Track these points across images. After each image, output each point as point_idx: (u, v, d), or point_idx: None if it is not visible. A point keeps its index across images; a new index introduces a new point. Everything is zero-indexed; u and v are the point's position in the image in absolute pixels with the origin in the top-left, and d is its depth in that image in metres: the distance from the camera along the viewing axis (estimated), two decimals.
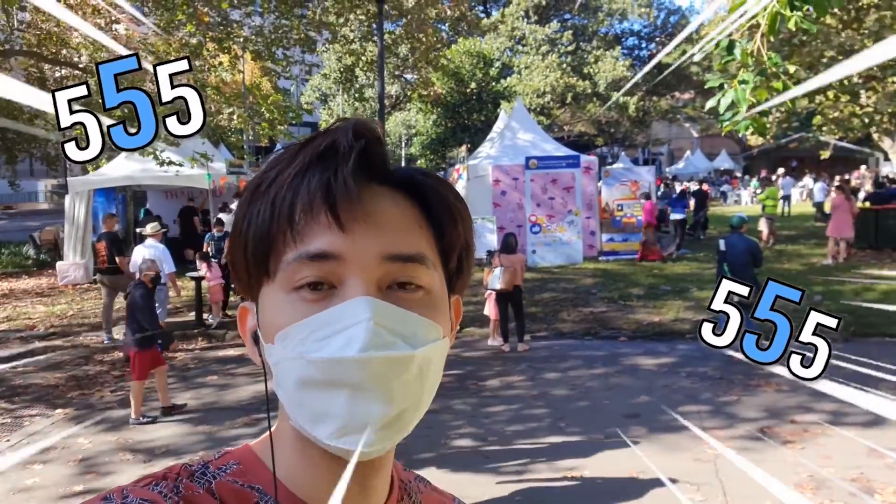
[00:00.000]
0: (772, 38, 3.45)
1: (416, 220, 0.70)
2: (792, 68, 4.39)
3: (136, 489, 0.68)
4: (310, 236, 0.65)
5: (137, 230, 12.31)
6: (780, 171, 31.65)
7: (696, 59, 4.78)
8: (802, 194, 32.38)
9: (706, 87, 3.67)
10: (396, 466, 0.84)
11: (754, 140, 38.28)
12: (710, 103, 3.65)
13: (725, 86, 3.51)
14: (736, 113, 3.52)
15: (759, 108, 3.32)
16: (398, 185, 0.70)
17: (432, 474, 5.48)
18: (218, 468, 0.73)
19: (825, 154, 22.57)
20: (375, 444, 0.64)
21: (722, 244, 8.64)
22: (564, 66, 35.55)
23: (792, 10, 3.27)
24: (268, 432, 0.76)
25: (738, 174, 42.67)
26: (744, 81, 3.42)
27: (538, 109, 34.05)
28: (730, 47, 3.29)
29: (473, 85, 33.01)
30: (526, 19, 36.68)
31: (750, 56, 3.48)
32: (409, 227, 0.69)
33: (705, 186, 25.35)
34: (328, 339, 0.63)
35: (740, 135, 3.72)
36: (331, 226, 0.65)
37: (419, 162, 35.86)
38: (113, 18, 16.12)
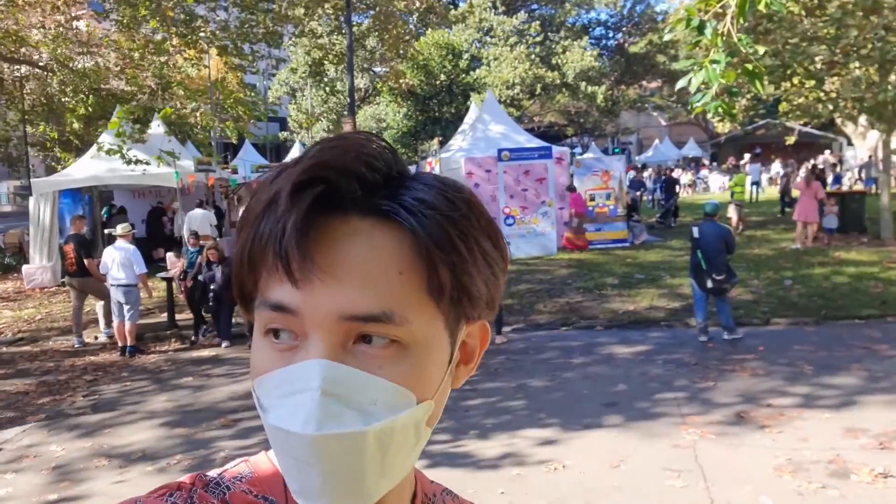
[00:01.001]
0: (742, 20, 3.46)
1: (395, 263, 0.59)
2: (761, 49, 4.42)
3: (151, 500, 0.65)
4: (270, 285, 0.61)
5: (106, 231, 12.06)
6: (746, 157, 32.09)
7: (666, 38, 4.72)
8: (773, 178, 32.91)
9: (676, 68, 3.68)
10: (422, 480, 0.80)
11: (722, 127, 38.74)
12: (680, 83, 3.65)
13: (695, 67, 3.51)
14: (706, 94, 3.53)
15: (727, 91, 3.33)
16: (384, 215, 0.60)
17: None
18: (233, 477, 0.71)
19: (790, 140, 22.88)
20: None
21: (695, 231, 8.69)
22: (533, 56, 35.62)
23: None
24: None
25: (706, 161, 43.17)
26: (715, 61, 3.43)
27: (508, 101, 34.09)
28: (700, 27, 3.29)
29: (443, 77, 32.96)
30: (493, 10, 36.64)
31: (720, 37, 3.49)
32: (382, 275, 0.59)
33: (676, 173, 25.57)
34: (283, 399, 0.59)
35: (710, 116, 3.73)
36: (283, 279, 0.59)
37: None
38: (73, 15, 15.79)
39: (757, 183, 27.38)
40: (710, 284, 8.44)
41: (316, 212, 0.58)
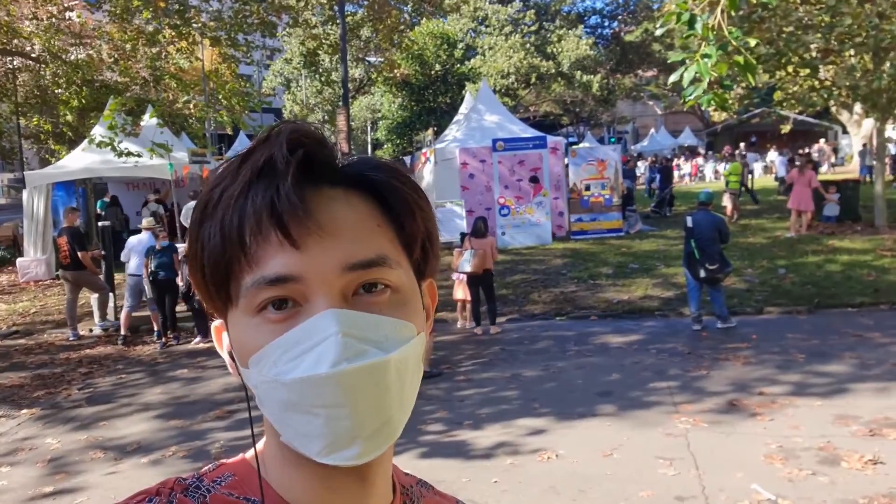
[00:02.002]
0: (732, 13, 3.47)
1: (373, 219, 0.68)
2: (753, 42, 4.42)
3: None
4: (265, 259, 0.63)
5: (100, 223, 12.03)
6: (742, 146, 32.08)
7: (659, 33, 4.71)
8: (768, 167, 32.91)
9: (669, 62, 3.69)
10: (397, 472, 0.82)
11: (717, 116, 38.70)
12: (672, 77, 3.66)
13: (687, 61, 3.52)
14: (698, 87, 3.54)
15: (720, 83, 3.34)
16: (351, 184, 0.68)
17: (407, 461, 5.49)
18: (213, 481, 0.72)
19: (786, 128, 22.88)
20: (366, 454, 0.63)
21: (689, 221, 8.69)
22: (528, 46, 35.53)
23: None
24: (260, 443, 0.75)
25: (702, 150, 43.17)
26: (706, 55, 3.44)
27: (503, 91, 34.03)
28: (691, 22, 3.30)
29: (438, 67, 32.85)
30: None
31: (711, 30, 3.49)
32: (367, 229, 0.67)
33: (677, 161, 25.51)
34: (300, 358, 0.62)
35: (703, 108, 3.75)
36: (283, 245, 0.63)
37: (385, 146, 35.66)
38: (66, 6, 15.70)
39: (751, 172, 27.37)
40: (703, 274, 8.46)
41: (296, 181, 0.63)
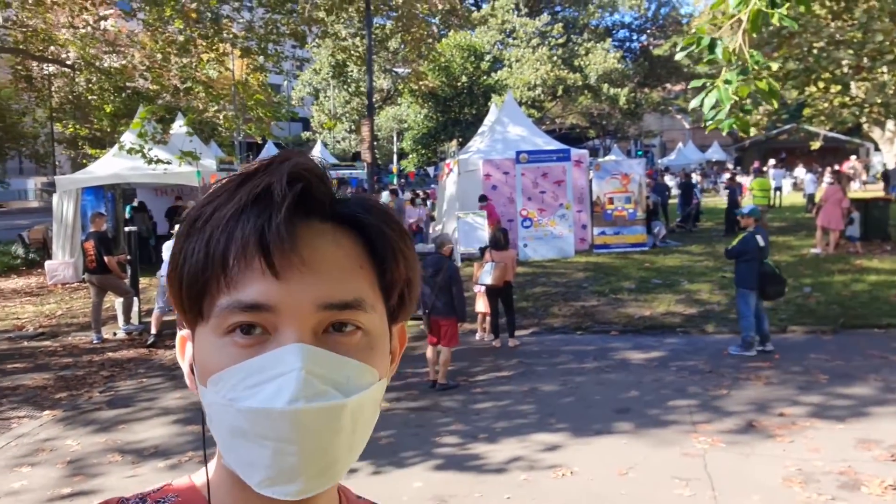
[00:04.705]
0: (754, 35, 3.44)
1: (357, 259, 0.68)
2: (775, 65, 4.39)
3: None
4: (243, 283, 0.64)
5: (127, 229, 12.22)
6: (771, 162, 31.73)
7: (679, 57, 4.69)
8: (797, 184, 32.44)
9: (689, 87, 3.67)
10: (349, 495, 0.83)
11: (750, 132, 38.23)
12: (693, 103, 3.64)
13: (708, 84, 3.50)
14: (720, 111, 3.52)
15: (741, 107, 3.31)
16: (341, 221, 0.68)
17: (419, 473, 5.49)
18: (156, 501, 0.72)
19: (816, 145, 22.58)
20: (305, 492, 0.64)
21: (760, 239, 8.20)
22: (555, 58, 35.52)
23: (773, 7, 3.26)
24: (206, 466, 0.75)
25: (730, 165, 42.75)
26: (727, 81, 3.42)
27: (529, 102, 34.02)
28: (711, 46, 3.28)
29: (464, 79, 32.96)
30: (516, 12, 36.59)
31: (732, 54, 3.47)
32: (349, 269, 0.67)
33: (695, 177, 25.23)
34: (258, 387, 0.62)
35: (724, 133, 3.72)
36: (265, 273, 0.63)
37: (410, 156, 35.81)
38: (101, 15, 16.02)
39: (778, 188, 27.05)
40: (785, 291, 8.30)
41: (289, 213, 0.64)
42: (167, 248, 10.08)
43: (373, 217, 0.69)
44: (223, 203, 0.66)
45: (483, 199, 15.47)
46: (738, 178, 32.35)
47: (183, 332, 0.73)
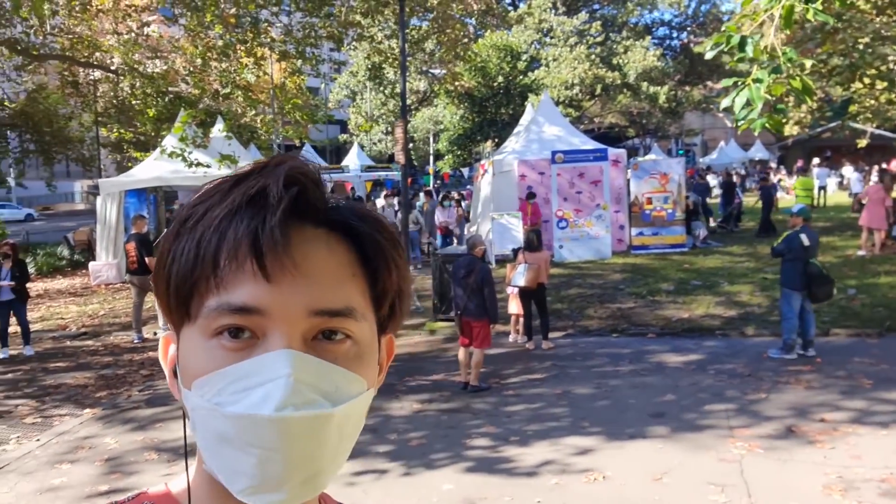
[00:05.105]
0: (789, 32, 3.35)
1: (349, 267, 0.67)
2: (808, 63, 4.27)
3: None
4: (234, 284, 0.63)
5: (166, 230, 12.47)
6: (815, 161, 30.98)
7: (709, 56, 4.55)
8: (843, 183, 31.63)
9: (721, 86, 3.60)
10: (327, 500, 0.82)
11: (789, 130, 37.45)
12: (724, 103, 3.56)
13: (739, 83, 3.42)
14: (752, 111, 3.43)
15: (773, 107, 3.23)
16: (334, 228, 0.67)
17: (450, 475, 5.47)
18: None
19: (862, 142, 21.96)
20: (289, 502, 0.63)
21: (805, 239, 8.11)
22: (593, 57, 35.19)
23: (807, 2, 3.16)
24: (185, 473, 0.74)
25: (773, 164, 41.87)
26: (758, 80, 3.33)
27: (567, 102, 33.78)
28: (741, 44, 3.19)
29: (501, 79, 32.86)
30: (553, 11, 36.36)
31: (764, 52, 3.38)
32: (341, 276, 0.66)
33: (735, 177, 24.70)
34: (245, 392, 0.61)
35: (755, 133, 3.63)
36: (256, 276, 0.62)
37: (446, 157, 35.82)
38: (144, 21, 16.37)
39: (823, 188, 26.40)
40: (834, 292, 8.12)
41: (284, 216, 0.63)
42: None
43: (366, 225, 0.68)
44: (216, 203, 0.65)
45: (531, 196, 15.43)
46: (774, 178, 31.73)
47: (165, 333, 0.73)
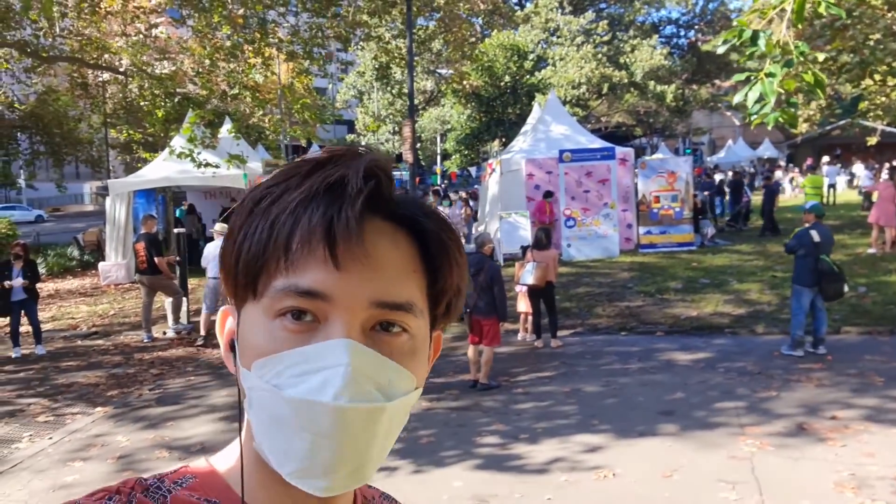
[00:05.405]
0: (799, 26, 3.34)
1: (412, 263, 0.68)
2: (821, 57, 4.25)
3: (90, 502, 0.68)
4: (303, 268, 0.64)
5: (176, 230, 12.51)
6: (825, 159, 30.83)
7: (720, 51, 4.56)
8: (853, 181, 31.46)
9: (732, 81, 3.59)
10: (362, 489, 0.83)
11: (799, 127, 37.27)
12: (737, 98, 3.55)
13: (752, 78, 3.40)
14: (764, 105, 3.42)
15: (787, 101, 3.21)
16: (401, 223, 0.69)
17: (459, 472, 5.47)
18: (174, 482, 0.72)
19: (872, 140, 21.84)
20: (333, 490, 0.64)
21: (815, 235, 8.06)
22: (600, 56, 35.12)
23: None
24: (228, 447, 0.76)
25: (782, 163, 41.71)
26: (771, 74, 3.31)
27: (574, 101, 33.72)
28: (753, 38, 3.18)
29: (507, 78, 32.83)
30: (560, 10, 36.30)
31: (776, 46, 3.37)
32: (405, 272, 0.67)
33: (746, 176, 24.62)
34: (304, 377, 0.63)
35: (769, 127, 3.61)
36: (326, 262, 0.64)
37: (454, 157, 35.80)
38: (152, 23, 16.44)
39: (832, 185, 26.27)
40: (845, 289, 8.09)
41: (362, 207, 0.64)
42: (214, 248, 10.25)
43: (432, 222, 0.70)
44: (292, 187, 0.66)
45: (549, 194, 15.37)
46: (788, 177, 31.55)
47: (225, 307, 0.74)
